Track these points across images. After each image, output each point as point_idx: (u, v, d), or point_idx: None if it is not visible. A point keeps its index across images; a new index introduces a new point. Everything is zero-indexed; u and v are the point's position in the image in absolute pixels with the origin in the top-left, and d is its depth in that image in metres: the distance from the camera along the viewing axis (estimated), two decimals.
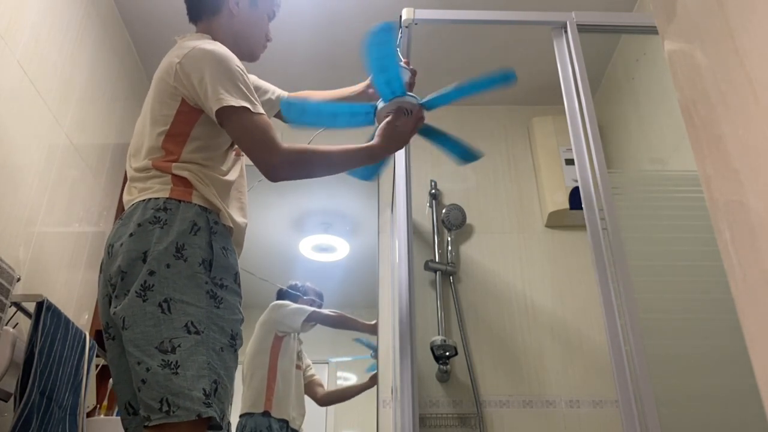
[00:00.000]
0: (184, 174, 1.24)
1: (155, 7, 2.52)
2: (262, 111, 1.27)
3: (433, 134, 1.52)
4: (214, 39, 1.38)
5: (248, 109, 1.23)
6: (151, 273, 1.14)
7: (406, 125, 1.39)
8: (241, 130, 1.24)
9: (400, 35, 1.75)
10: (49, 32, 2.01)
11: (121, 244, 1.19)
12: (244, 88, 1.25)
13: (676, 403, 1.36)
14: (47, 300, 1.67)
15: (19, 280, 1.70)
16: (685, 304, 1.49)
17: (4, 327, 1.60)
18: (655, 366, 1.31)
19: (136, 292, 1.13)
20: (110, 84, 2.52)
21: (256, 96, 1.29)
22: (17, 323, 1.71)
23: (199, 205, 1.23)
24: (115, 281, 1.17)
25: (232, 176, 1.34)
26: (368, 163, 1.41)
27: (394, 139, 1.39)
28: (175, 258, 1.15)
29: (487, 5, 2.44)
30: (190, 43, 1.31)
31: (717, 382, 1.41)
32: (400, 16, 1.76)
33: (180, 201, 1.22)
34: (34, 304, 1.68)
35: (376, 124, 1.45)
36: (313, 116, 1.45)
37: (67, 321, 1.76)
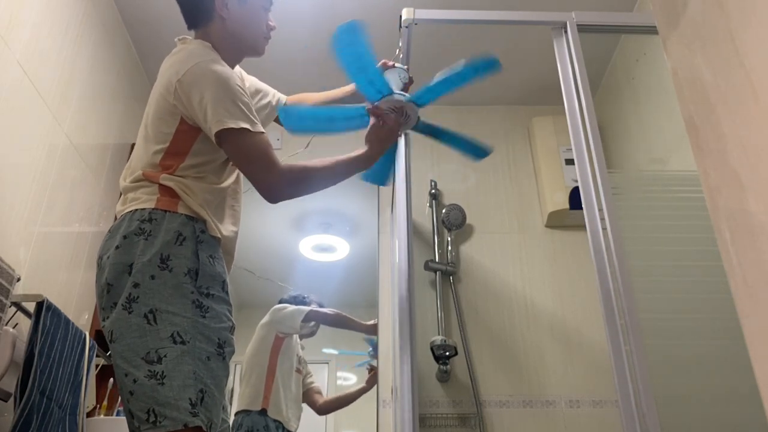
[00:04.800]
0: (170, 184, 1.24)
1: (155, 7, 2.52)
2: (262, 130, 1.26)
3: (442, 134, 1.51)
4: (213, 44, 1.37)
5: (248, 129, 1.22)
6: (136, 285, 1.14)
7: (389, 121, 1.40)
8: (240, 152, 1.24)
9: (401, 36, 1.75)
10: (49, 32, 2.01)
11: (108, 257, 1.20)
12: (244, 108, 1.24)
13: (676, 403, 1.36)
14: (47, 300, 1.67)
15: (19, 280, 1.71)
16: (685, 304, 1.49)
17: (4, 327, 1.60)
18: (655, 366, 1.31)
19: (122, 305, 1.14)
20: (110, 84, 2.52)
21: (255, 114, 1.28)
22: (17, 323, 1.71)
23: (186, 215, 1.22)
24: (102, 294, 1.18)
25: (225, 183, 1.34)
26: (365, 169, 1.41)
27: (382, 139, 1.40)
28: (159, 269, 1.15)
29: (487, 5, 2.44)
30: (190, 57, 1.29)
31: (717, 382, 1.41)
32: (401, 16, 1.76)
33: (166, 211, 1.22)
34: (34, 304, 1.68)
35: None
36: (310, 121, 1.45)
37: (67, 321, 1.76)
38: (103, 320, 1.18)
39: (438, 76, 1.41)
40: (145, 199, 1.24)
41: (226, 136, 1.22)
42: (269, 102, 1.58)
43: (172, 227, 1.20)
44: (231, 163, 1.38)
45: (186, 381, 1.08)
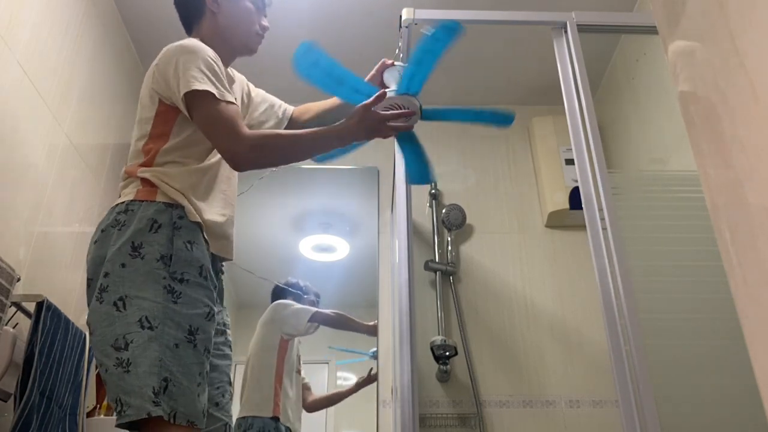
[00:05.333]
0: (147, 176, 1.24)
1: (155, 7, 2.52)
2: (230, 99, 1.25)
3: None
4: (204, 41, 1.37)
5: (213, 95, 1.22)
6: (106, 275, 1.14)
7: (384, 116, 1.29)
8: (205, 118, 1.23)
9: (400, 36, 1.75)
10: (49, 32, 2.01)
11: (89, 252, 1.22)
12: (211, 75, 1.24)
13: (676, 403, 1.36)
14: (47, 300, 1.67)
15: (19, 280, 1.70)
16: (685, 304, 1.49)
17: (4, 327, 1.60)
18: (655, 366, 1.31)
19: (96, 297, 1.14)
20: (110, 84, 2.52)
21: (226, 85, 1.28)
22: (17, 323, 1.71)
23: (163, 203, 1.22)
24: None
25: (208, 162, 1.32)
26: (338, 146, 1.31)
27: (368, 126, 1.28)
28: (131, 257, 1.15)
29: (487, 5, 2.44)
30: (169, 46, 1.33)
31: (717, 382, 1.41)
32: (401, 16, 1.76)
33: (143, 201, 1.22)
34: (34, 304, 1.68)
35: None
36: (321, 72, 1.34)
37: (67, 321, 1.76)
38: (87, 316, 1.19)
39: (457, 107, 1.39)
40: (128, 193, 1.25)
41: (193, 101, 1.22)
42: (275, 112, 1.59)
43: (146, 215, 1.19)
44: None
45: (151, 368, 1.06)
